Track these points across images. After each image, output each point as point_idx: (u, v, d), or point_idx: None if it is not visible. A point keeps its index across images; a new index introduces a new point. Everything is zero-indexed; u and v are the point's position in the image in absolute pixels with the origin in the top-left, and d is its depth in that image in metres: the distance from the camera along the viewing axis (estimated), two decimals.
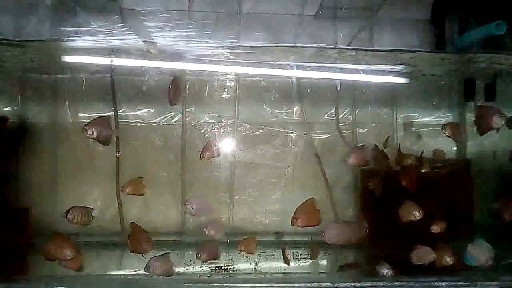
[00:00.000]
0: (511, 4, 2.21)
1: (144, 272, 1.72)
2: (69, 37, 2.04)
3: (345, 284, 1.62)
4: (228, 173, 2.52)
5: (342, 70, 2.37)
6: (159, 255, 1.75)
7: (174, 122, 2.51)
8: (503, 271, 1.79)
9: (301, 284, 1.58)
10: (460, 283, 1.66)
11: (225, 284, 1.66)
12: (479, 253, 1.72)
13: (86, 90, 2.48)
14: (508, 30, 2.05)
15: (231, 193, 2.53)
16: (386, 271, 1.74)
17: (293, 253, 2.09)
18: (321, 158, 2.56)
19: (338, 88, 2.31)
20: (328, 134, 2.60)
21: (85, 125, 1.78)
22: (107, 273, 1.95)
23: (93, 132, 1.77)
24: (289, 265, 1.90)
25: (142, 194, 2.04)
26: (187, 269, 1.93)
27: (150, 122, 2.51)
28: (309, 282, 1.61)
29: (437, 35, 2.56)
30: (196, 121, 2.51)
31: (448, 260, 1.73)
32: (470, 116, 2.57)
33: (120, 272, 1.93)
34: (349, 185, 2.56)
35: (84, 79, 2.45)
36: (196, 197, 2.02)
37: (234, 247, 2.23)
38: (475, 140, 2.51)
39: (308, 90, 2.55)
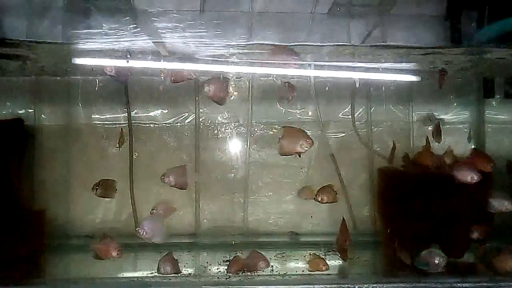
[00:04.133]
0: None
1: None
2: (81, 39, 2.04)
3: (367, 285, 1.58)
4: (242, 174, 2.50)
5: (358, 68, 2.34)
6: (164, 256, 1.78)
7: (188, 122, 2.50)
8: None
9: (321, 286, 1.55)
10: (484, 284, 1.61)
11: (242, 286, 1.64)
12: (431, 259, 1.75)
13: (99, 92, 2.47)
14: None
15: (245, 193, 2.50)
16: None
17: (309, 254, 2.05)
18: (337, 157, 2.53)
19: (357, 86, 2.27)
20: (344, 133, 2.57)
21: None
22: (123, 275, 1.93)
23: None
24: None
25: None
26: (203, 271, 1.91)
27: (163, 123, 2.50)
28: (328, 284, 1.57)
29: (453, 31, 2.51)
30: (209, 122, 2.49)
31: None
32: (489, 113, 2.52)
33: (136, 274, 1.91)
34: (364, 184, 2.52)
35: (97, 81, 2.44)
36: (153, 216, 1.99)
37: (248, 249, 2.22)
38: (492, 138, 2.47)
39: (327, 88, 2.51)
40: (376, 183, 2.37)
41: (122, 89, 2.43)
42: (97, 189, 2.05)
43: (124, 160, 2.41)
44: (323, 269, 1.77)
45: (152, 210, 2.02)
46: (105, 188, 2.07)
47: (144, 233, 1.72)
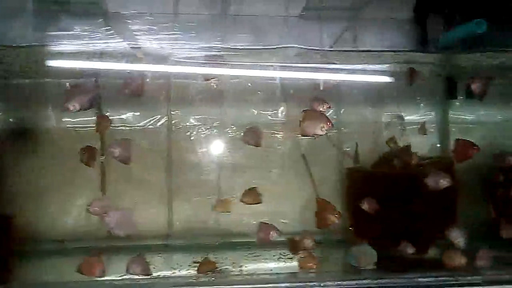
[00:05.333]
0: (493, 2, 2.26)
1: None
2: (52, 41, 2.03)
3: (331, 283, 1.63)
4: (215, 175, 2.52)
5: (326, 70, 2.39)
6: (134, 257, 1.78)
7: (160, 125, 2.51)
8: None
9: (287, 284, 1.59)
10: (444, 278, 1.67)
11: (210, 287, 1.66)
12: (362, 255, 1.84)
13: None
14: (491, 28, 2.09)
15: (218, 195, 2.52)
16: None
17: (279, 253, 2.09)
18: (308, 158, 2.57)
19: (321, 88, 2.32)
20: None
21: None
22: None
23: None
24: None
25: None
26: (173, 273, 1.92)
27: (135, 126, 2.50)
28: (295, 282, 1.61)
29: (419, 34, 2.58)
30: (182, 124, 2.51)
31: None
32: (453, 114, 2.61)
33: (108, 278, 1.91)
34: (335, 184, 2.57)
35: (68, 83, 2.43)
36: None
37: (220, 250, 2.25)
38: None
39: (291, 91, 2.55)
40: (344, 182, 2.42)
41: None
42: (84, 153, 2.06)
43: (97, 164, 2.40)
44: (313, 267, 1.81)
45: (87, 206, 1.97)
46: (89, 155, 2.08)
47: (110, 222, 1.72)
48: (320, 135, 1.89)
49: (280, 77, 2.55)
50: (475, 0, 2.32)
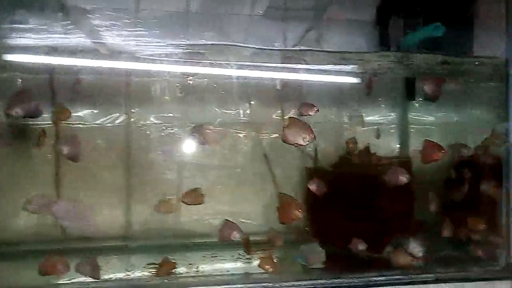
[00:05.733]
0: (451, 6, 2.31)
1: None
2: (6, 35, 1.95)
3: (287, 283, 1.62)
4: (176, 175, 2.48)
5: (288, 69, 2.39)
6: (82, 259, 1.74)
7: (118, 123, 2.44)
8: (439, 264, 1.85)
9: (242, 285, 1.57)
10: (397, 277, 1.69)
11: None
12: (310, 254, 1.85)
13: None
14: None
15: (178, 195, 2.48)
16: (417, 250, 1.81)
17: (239, 253, 2.07)
18: (270, 158, 2.56)
19: (278, 88, 2.32)
20: (277, 133, 2.60)
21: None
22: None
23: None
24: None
25: None
26: (127, 275, 1.87)
27: (92, 124, 2.43)
28: (249, 283, 1.59)
29: (382, 36, 2.62)
30: (141, 122, 2.45)
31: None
32: (412, 115, 2.66)
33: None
34: (297, 184, 2.57)
35: (20, 79, 2.33)
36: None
37: (179, 251, 2.21)
38: (415, 138, 2.60)
39: (255, 90, 2.54)
40: (304, 182, 2.43)
41: (47, 87, 2.33)
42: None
43: (49, 163, 2.31)
44: (270, 270, 1.79)
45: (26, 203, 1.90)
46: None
47: (57, 211, 1.67)
48: (301, 145, 1.90)
49: (244, 76, 2.53)
50: (435, 4, 2.36)
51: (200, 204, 2.09)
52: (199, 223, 2.49)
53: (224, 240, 1.94)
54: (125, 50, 2.16)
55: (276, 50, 2.31)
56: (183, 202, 2.02)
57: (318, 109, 2.01)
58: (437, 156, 1.95)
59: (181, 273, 1.82)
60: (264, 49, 2.22)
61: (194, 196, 2.05)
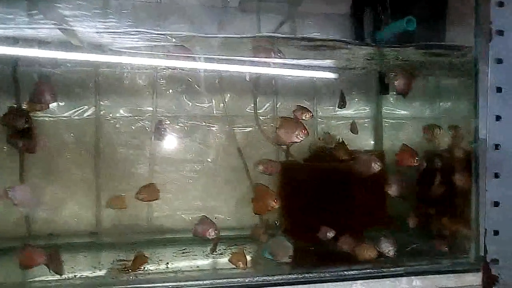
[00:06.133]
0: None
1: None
2: None
3: (256, 279, 1.59)
4: (147, 169, 2.42)
5: (262, 63, 2.35)
6: (49, 252, 1.65)
7: (87, 116, 2.37)
8: (408, 257, 1.85)
9: (209, 281, 1.53)
10: (368, 270, 1.68)
11: (129, 286, 1.57)
12: (278, 248, 1.83)
13: None
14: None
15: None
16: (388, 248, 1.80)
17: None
18: (244, 152, 2.53)
19: (247, 79, 2.29)
20: (251, 127, 2.57)
21: None
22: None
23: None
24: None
25: None
26: (92, 272, 1.81)
27: (60, 117, 2.35)
28: (218, 278, 1.56)
29: (356, 29, 2.61)
30: (111, 115, 2.39)
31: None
32: (386, 109, 2.66)
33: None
34: (271, 179, 2.53)
35: None
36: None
37: (150, 247, 2.17)
38: (388, 133, 2.61)
39: (229, 84, 2.50)
40: (277, 176, 2.40)
41: (10, 78, 2.24)
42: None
43: (14, 155, 2.22)
44: (241, 266, 1.76)
45: None
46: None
47: (13, 196, 1.63)
48: (296, 142, 1.88)
49: (218, 69, 2.49)
50: None
51: (155, 200, 2.02)
52: (172, 219, 2.45)
53: (198, 236, 1.89)
54: (97, 42, 2.10)
55: (250, 37, 2.26)
56: (137, 198, 1.93)
57: (312, 115, 1.98)
58: (410, 163, 1.95)
59: (151, 270, 1.77)
60: (239, 37, 2.17)
61: (149, 192, 1.98)
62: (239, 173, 2.50)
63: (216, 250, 1.98)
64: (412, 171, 2.21)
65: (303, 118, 1.97)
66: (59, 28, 1.93)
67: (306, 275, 1.62)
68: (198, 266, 1.84)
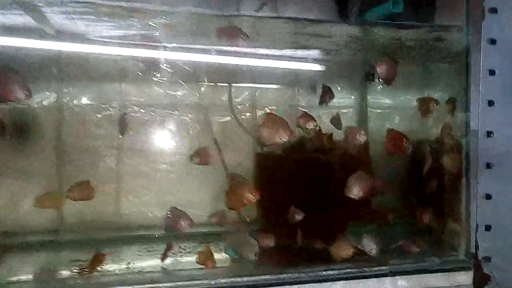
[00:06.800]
0: None
1: None
2: None
3: (224, 280, 1.43)
4: (115, 161, 2.24)
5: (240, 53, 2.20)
6: None
7: (48, 104, 2.18)
8: (392, 256, 1.71)
9: (170, 284, 1.37)
10: (349, 270, 1.53)
11: None
12: (242, 246, 1.73)
13: None
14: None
15: (117, 184, 2.25)
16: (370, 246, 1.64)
17: (179, 247, 1.88)
18: (222, 143, 2.36)
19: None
20: (229, 117, 2.41)
21: None
22: None
23: None
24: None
25: None
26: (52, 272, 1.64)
27: (18, 104, 2.15)
28: (180, 281, 1.40)
29: (340, 11, 2.45)
30: (74, 103, 2.20)
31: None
32: (371, 98, 2.51)
33: None
34: (250, 170, 2.38)
35: None
36: None
37: (115, 245, 2.00)
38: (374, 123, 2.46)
39: (205, 71, 2.33)
40: (254, 168, 2.25)
41: None
42: None
43: None
44: (209, 265, 1.60)
45: None
46: None
47: None
48: (278, 145, 1.75)
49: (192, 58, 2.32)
50: None
51: (89, 199, 1.81)
52: (142, 214, 2.27)
53: (169, 231, 1.73)
54: (70, 30, 1.94)
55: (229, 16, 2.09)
56: (68, 197, 1.73)
57: (316, 123, 1.88)
58: (402, 147, 1.81)
59: (109, 270, 1.59)
60: (217, 14, 2.00)
61: (82, 191, 1.78)
62: (216, 166, 2.33)
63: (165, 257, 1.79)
64: (400, 160, 2.08)
65: (307, 127, 1.82)
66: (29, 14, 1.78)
67: (280, 276, 1.46)
68: (162, 267, 1.66)
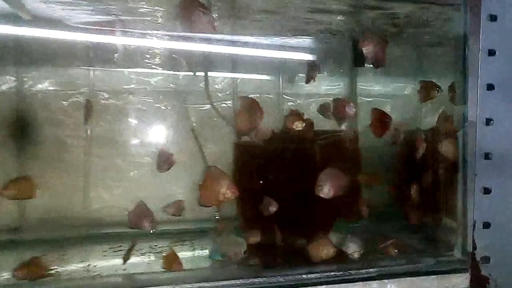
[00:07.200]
0: None
1: None
2: None
3: (205, 283, 1.27)
4: (82, 152, 2.07)
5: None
6: None
7: (6, 89, 1.99)
8: (381, 257, 1.55)
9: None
10: (333, 273, 1.37)
11: None
12: (229, 246, 1.56)
13: None
14: None
15: (86, 177, 2.07)
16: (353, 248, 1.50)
17: (149, 246, 1.71)
18: (200, 132, 2.19)
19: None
20: (208, 105, 2.23)
21: None
22: None
23: None
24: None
25: None
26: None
27: None
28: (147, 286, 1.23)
29: None
30: (37, 89, 2.02)
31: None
32: (361, 85, 2.34)
33: None
34: (228, 162, 2.20)
35: None
36: None
37: (79, 244, 1.83)
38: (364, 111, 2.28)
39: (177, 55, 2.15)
40: (234, 160, 2.07)
41: None
42: None
43: None
44: (176, 268, 1.42)
45: None
46: None
47: None
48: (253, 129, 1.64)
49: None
50: None
51: (29, 198, 1.60)
52: (112, 210, 2.09)
53: (134, 228, 1.56)
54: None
55: None
56: (2, 196, 1.51)
57: (305, 123, 1.72)
58: (386, 125, 1.68)
59: (61, 272, 1.42)
60: None
61: (20, 188, 1.57)
62: (193, 157, 2.16)
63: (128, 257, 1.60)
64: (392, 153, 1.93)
65: (294, 127, 1.65)
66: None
67: (256, 280, 1.30)
68: (125, 269, 1.49)
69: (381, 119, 1.76)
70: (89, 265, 1.54)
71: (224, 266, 1.51)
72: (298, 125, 1.68)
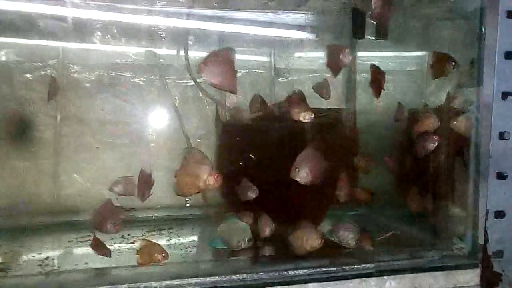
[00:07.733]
0: None
1: None
2: None
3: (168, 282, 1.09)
4: (52, 132, 1.88)
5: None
6: None
7: None
8: (380, 250, 1.37)
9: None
10: (324, 269, 1.19)
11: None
12: (233, 233, 1.40)
13: None
14: None
15: (56, 159, 1.89)
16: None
17: (122, 235, 1.53)
18: (184, 109, 1.99)
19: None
20: (191, 80, 2.02)
21: None
22: None
23: None
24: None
25: None
26: None
27: None
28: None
29: None
30: (5, 64, 1.82)
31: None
32: (360, 60, 2.13)
33: None
34: (213, 143, 2.01)
35: None
36: None
37: (45, 233, 1.65)
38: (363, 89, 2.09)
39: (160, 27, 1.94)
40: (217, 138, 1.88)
41: None
42: None
43: None
44: (159, 259, 1.24)
45: None
46: None
47: None
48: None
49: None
50: None
51: None
52: (85, 197, 1.91)
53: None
54: None
55: None
56: None
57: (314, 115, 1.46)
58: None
59: (13, 267, 1.24)
60: None
61: None
62: (176, 137, 1.97)
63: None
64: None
65: (301, 119, 1.44)
66: None
67: (234, 277, 1.12)
68: (86, 263, 1.31)
69: (377, 78, 1.60)
70: (47, 258, 1.36)
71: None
72: (306, 117, 1.45)
